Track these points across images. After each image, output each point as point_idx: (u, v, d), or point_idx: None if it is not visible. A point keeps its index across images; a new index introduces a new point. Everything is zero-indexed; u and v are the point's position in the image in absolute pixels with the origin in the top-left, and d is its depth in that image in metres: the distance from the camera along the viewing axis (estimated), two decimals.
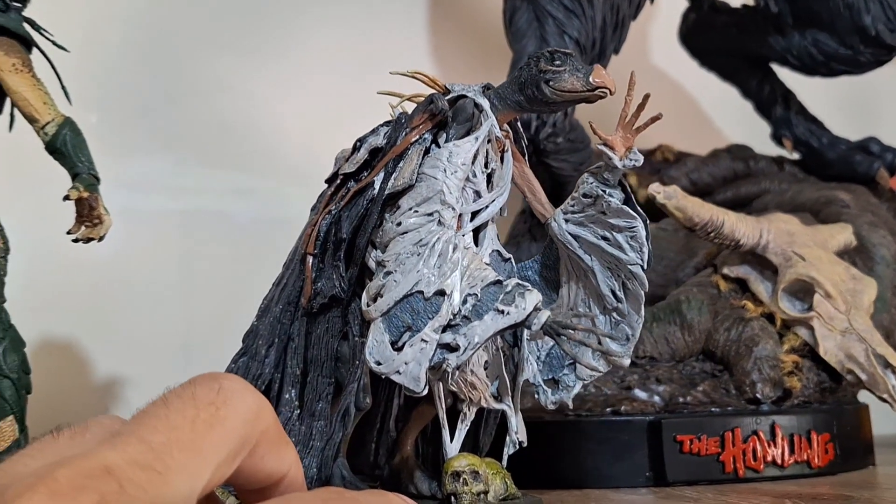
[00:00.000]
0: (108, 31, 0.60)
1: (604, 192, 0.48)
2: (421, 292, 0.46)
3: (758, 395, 0.67)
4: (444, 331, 0.45)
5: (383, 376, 0.46)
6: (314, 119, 1.02)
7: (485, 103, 0.50)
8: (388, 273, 0.46)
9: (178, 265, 0.97)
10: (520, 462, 0.54)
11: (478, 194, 0.50)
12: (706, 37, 0.96)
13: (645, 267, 0.48)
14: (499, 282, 0.46)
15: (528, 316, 0.45)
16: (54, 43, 0.58)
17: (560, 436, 0.64)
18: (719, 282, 0.73)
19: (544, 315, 0.45)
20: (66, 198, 0.53)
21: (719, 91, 1.02)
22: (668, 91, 1.14)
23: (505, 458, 0.51)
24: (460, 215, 0.49)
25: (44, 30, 0.57)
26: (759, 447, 0.62)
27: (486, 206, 0.50)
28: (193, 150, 0.99)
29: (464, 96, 0.50)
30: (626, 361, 0.50)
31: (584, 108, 0.78)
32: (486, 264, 0.50)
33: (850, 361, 0.67)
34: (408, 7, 1.09)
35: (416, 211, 0.47)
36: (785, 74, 0.96)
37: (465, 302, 0.46)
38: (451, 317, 0.46)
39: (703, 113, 1.16)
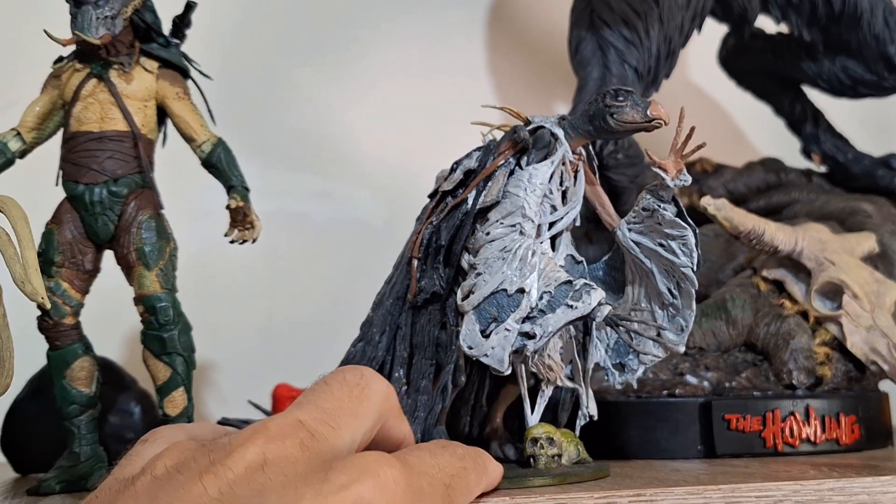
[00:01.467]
0: (199, 48, 0.69)
1: (659, 206, 0.55)
2: (505, 290, 0.54)
3: (794, 382, 0.74)
4: (523, 322, 0.53)
5: (474, 358, 0.54)
6: (384, 128, 1.11)
7: (559, 132, 0.57)
8: (479, 274, 0.55)
9: (261, 261, 1.06)
10: (591, 436, 0.63)
11: (554, 208, 0.58)
12: (744, 60, 1.04)
13: (694, 269, 0.56)
14: (569, 281, 0.54)
15: (593, 310, 0.53)
16: (201, 72, 0.67)
17: (624, 414, 0.72)
18: (759, 283, 0.81)
19: (606, 309, 0.53)
20: (228, 207, 0.63)
21: (754, 108, 1.09)
22: (707, 107, 1.22)
23: (577, 428, 0.59)
24: (539, 226, 0.57)
25: (194, 62, 0.67)
26: (795, 426, 0.70)
27: (561, 218, 0.58)
28: (276, 157, 1.08)
29: (542, 127, 0.58)
30: (682, 349, 0.57)
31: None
32: (561, 266, 0.58)
33: (873, 354, 0.75)
34: (469, 26, 1.17)
35: (502, 223, 0.56)
36: (814, 95, 1.03)
37: (541, 298, 0.54)
38: (530, 310, 0.54)
39: (739, 128, 1.24)
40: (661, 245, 0.56)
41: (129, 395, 0.74)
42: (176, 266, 0.62)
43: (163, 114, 0.65)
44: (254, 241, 0.63)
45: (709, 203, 0.76)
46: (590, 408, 0.60)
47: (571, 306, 0.53)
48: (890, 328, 0.76)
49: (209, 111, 0.67)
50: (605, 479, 0.56)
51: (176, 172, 0.72)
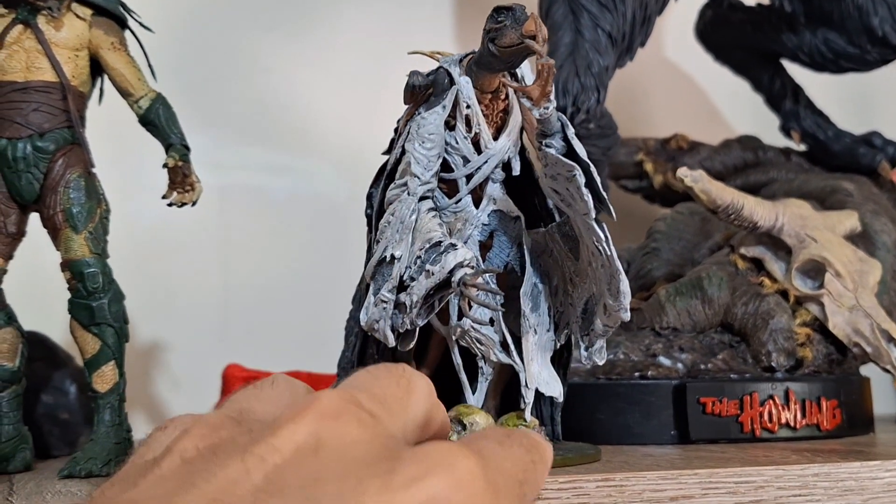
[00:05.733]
0: (151, 12, 0.65)
1: (541, 143, 0.48)
2: (385, 257, 0.49)
3: (773, 364, 0.71)
4: (399, 291, 0.48)
5: (370, 333, 0.50)
6: (347, 100, 1.06)
7: (455, 72, 0.50)
8: (377, 241, 0.50)
9: (216, 237, 1.01)
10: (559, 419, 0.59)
11: (465, 159, 0.51)
12: (722, 33, 1.00)
13: (593, 215, 0.47)
14: (438, 243, 0.48)
15: (450, 273, 0.46)
16: (141, 24, 0.62)
17: (595, 397, 0.68)
18: (737, 260, 0.77)
19: (459, 273, 0.46)
20: (165, 165, 0.58)
21: (732, 84, 1.06)
22: (683, 83, 1.19)
23: (527, 410, 0.52)
24: (455, 181, 0.51)
25: (133, 12, 0.62)
26: (774, 410, 0.67)
27: (479, 168, 0.51)
28: (232, 129, 1.03)
29: (440, 68, 0.51)
30: (625, 315, 0.49)
31: (612, 95, 0.83)
32: (485, 225, 0.52)
33: (856, 335, 0.72)
34: None
35: (396, 183, 0.51)
36: (794, 70, 1.00)
37: (415, 263, 0.48)
38: (402, 278, 0.48)
39: (716, 104, 1.20)
40: (567, 190, 0.48)
41: (63, 372, 0.69)
42: (108, 230, 0.58)
43: (98, 67, 0.60)
44: (193, 203, 0.59)
45: (685, 174, 0.72)
46: (540, 386, 0.52)
47: (429, 272, 0.47)
48: (874, 308, 0.72)
49: (150, 66, 0.62)
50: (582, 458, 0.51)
51: (127, 140, 0.67)
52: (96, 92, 0.62)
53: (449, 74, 0.50)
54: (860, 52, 0.90)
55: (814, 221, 0.77)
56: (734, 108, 1.18)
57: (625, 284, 0.48)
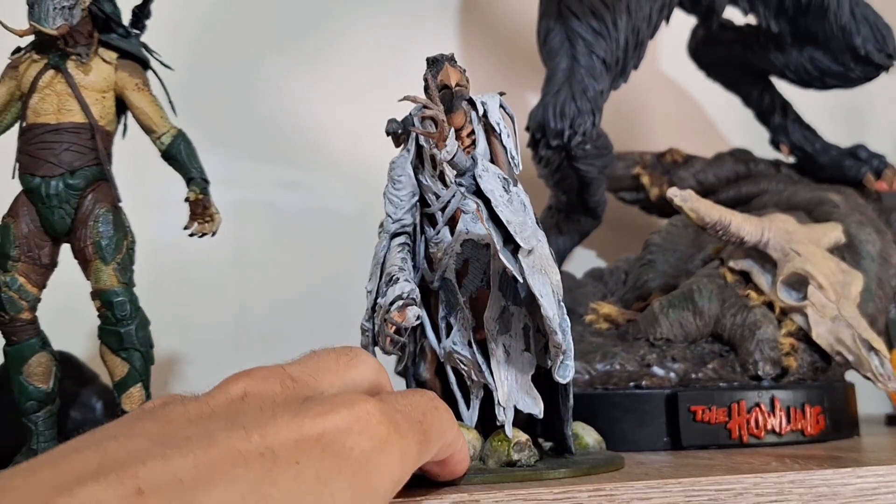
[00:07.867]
0: (166, 34, 0.68)
1: (456, 182, 0.50)
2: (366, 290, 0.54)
3: (759, 373, 0.75)
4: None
5: None
6: (356, 117, 1.10)
7: (414, 115, 0.54)
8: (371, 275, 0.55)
9: (231, 253, 1.05)
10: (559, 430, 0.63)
11: (436, 195, 0.54)
12: (713, 51, 1.04)
13: (499, 246, 0.48)
14: (391, 276, 0.51)
15: (391, 305, 0.49)
16: (162, 63, 0.66)
17: (590, 406, 0.71)
18: (726, 273, 0.81)
19: (394, 306, 0.49)
20: (186, 199, 0.62)
21: (723, 99, 1.10)
22: (677, 99, 1.22)
23: (506, 426, 0.53)
24: (432, 215, 0.55)
25: (155, 52, 0.66)
26: (760, 417, 0.70)
27: (448, 202, 0.54)
28: (245, 147, 1.07)
29: (410, 113, 0.54)
30: (556, 338, 0.49)
31: (610, 111, 0.87)
32: (458, 252, 0.54)
33: (839, 344, 0.75)
34: (441, 17, 1.17)
35: (381, 222, 0.55)
36: (783, 86, 1.04)
37: (383, 295, 0.51)
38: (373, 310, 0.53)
39: (709, 119, 1.24)
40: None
41: (90, 389, 0.73)
42: (134, 260, 0.62)
43: (122, 105, 0.64)
44: (213, 234, 0.63)
45: (675, 194, 0.76)
46: (520, 403, 0.54)
47: (380, 305, 0.51)
48: (855, 318, 0.76)
49: (170, 102, 0.66)
50: (565, 472, 0.55)
51: (145, 162, 0.71)
52: (120, 127, 0.66)
53: (413, 119, 0.54)
54: (844, 70, 0.94)
55: (798, 235, 0.80)
56: (727, 122, 1.22)
57: (545, 309, 0.49)
